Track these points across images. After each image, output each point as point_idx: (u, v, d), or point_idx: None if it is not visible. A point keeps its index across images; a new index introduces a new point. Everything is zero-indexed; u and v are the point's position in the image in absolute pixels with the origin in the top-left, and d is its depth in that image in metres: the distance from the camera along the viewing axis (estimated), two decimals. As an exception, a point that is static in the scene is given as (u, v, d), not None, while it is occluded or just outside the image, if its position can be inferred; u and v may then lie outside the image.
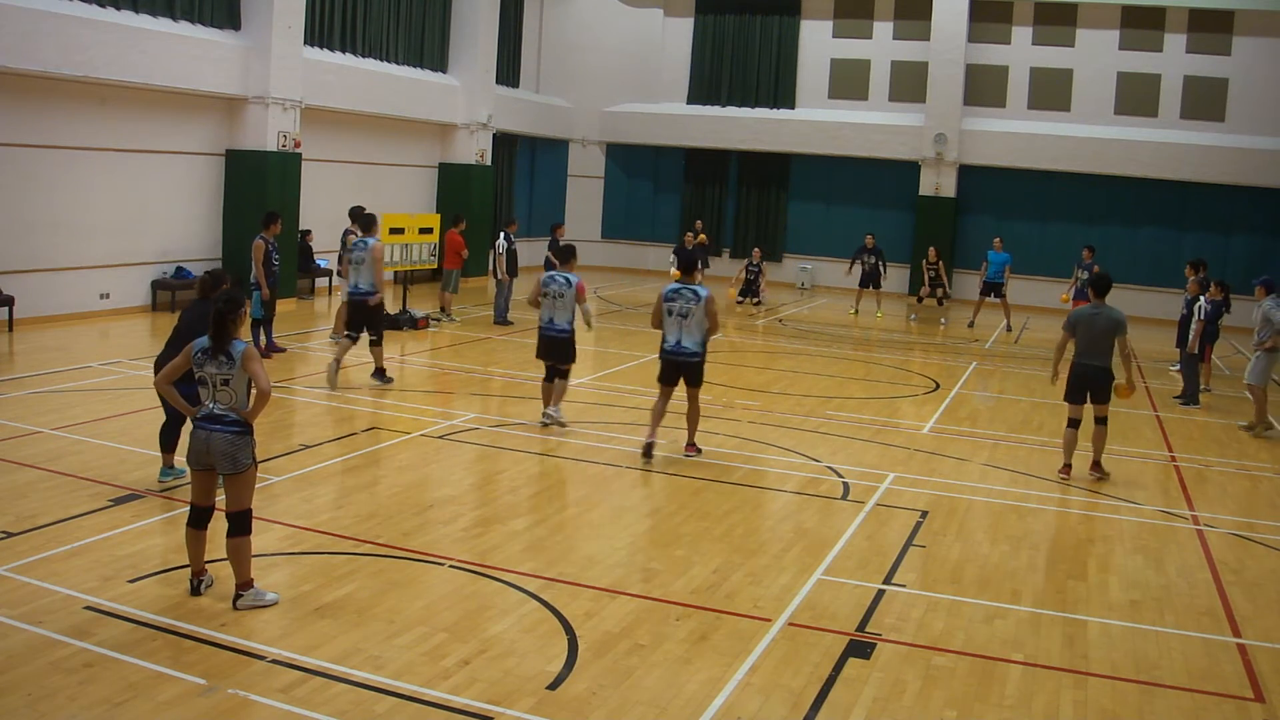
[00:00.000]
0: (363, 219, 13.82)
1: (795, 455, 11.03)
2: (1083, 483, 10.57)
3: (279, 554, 7.41)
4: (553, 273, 11.38)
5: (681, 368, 10.42)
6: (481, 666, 5.89)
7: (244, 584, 6.43)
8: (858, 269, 23.22)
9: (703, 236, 23.40)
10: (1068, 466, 10.66)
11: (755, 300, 23.72)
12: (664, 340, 10.48)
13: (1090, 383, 10.54)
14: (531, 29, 28.57)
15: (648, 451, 10.30)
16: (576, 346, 11.46)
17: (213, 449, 6.36)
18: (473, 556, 7.59)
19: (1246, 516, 9.96)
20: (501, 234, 18.76)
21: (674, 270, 21.57)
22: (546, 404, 11.41)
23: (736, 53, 29.17)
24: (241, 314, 6.49)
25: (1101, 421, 10.62)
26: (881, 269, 23.05)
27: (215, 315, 6.44)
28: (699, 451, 10.61)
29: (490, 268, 19.96)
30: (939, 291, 22.93)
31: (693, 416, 10.59)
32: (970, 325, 22.30)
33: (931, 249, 23.29)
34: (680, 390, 10.56)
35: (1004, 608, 7.26)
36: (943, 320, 22.90)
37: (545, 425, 11.27)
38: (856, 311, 23.48)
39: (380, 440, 10.58)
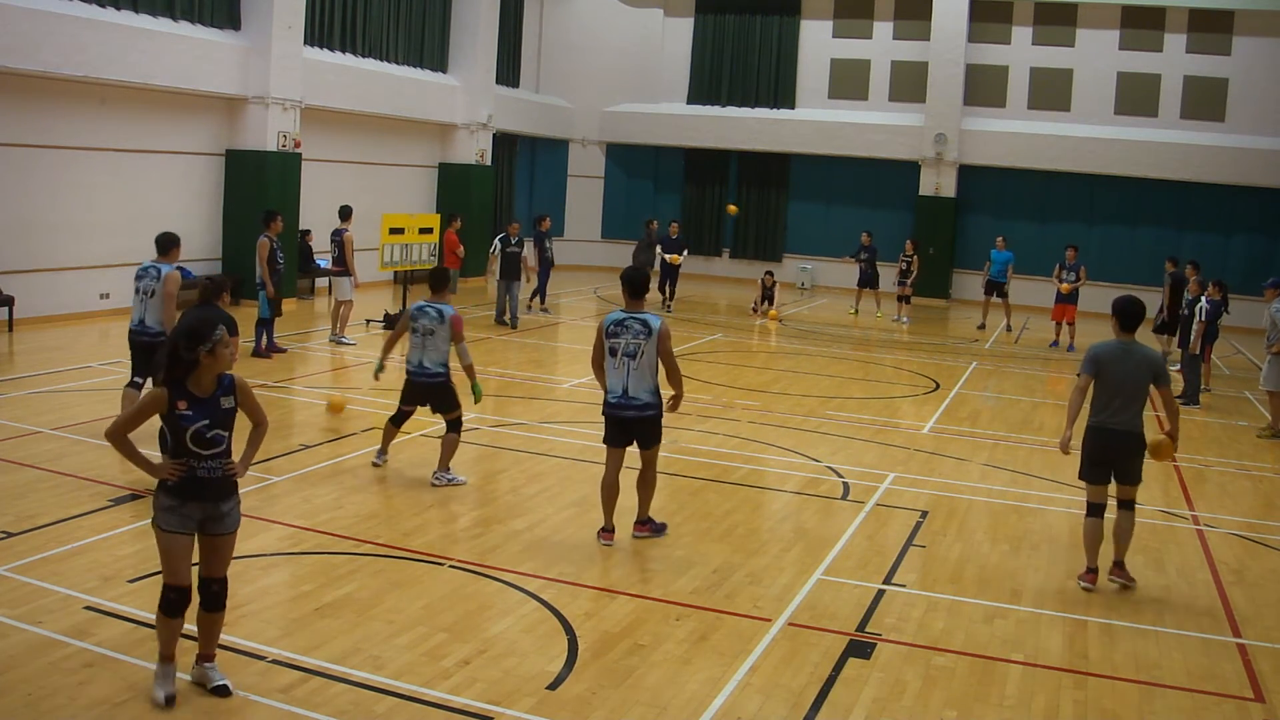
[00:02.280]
0: (161, 241, 10.58)
1: (795, 455, 11.03)
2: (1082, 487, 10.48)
3: (279, 554, 7.42)
4: (422, 303, 9.22)
5: (632, 426, 7.87)
6: (481, 666, 5.89)
7: (201, 657, 5.46)
8: (855, 266, 23.23)
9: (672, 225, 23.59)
10: (1093, 572, 7.69)
11: (768, 307, 23.22)
12: (607, 389, 7.92)
13: (1116, 453, 7.62)
14: (531, 29, 28.58)
15: (603, 537, 8.08)
16: (456, 392, 9.22)
17: None
18: (473, 556, 7.59)
19: (1246, 516, 9.96)
20: (498, 237, 18.77)
21: (667, 256, 22.07)
22: (385, 445, 9.60)
23: (736, 53, 29.17)
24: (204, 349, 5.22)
25: (1127, 506, 7.74)
26: (874, 268, 22.96)
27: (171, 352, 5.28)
28: (656, 530, 8.23)
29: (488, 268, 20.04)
30: (906, 290, 22.83)
31: (647, 484, 8.10)
32: (981, 327, 22.28)
33: (909, 242, 23.28)
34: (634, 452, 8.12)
35: (1004, 608, 7.26)
36: (905, 319, 22.73)
37: (437, 485, 9.14)
38: (856, 311, 23.46)
39: (380, 440, 10.56)
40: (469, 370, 9.14)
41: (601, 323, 7.92)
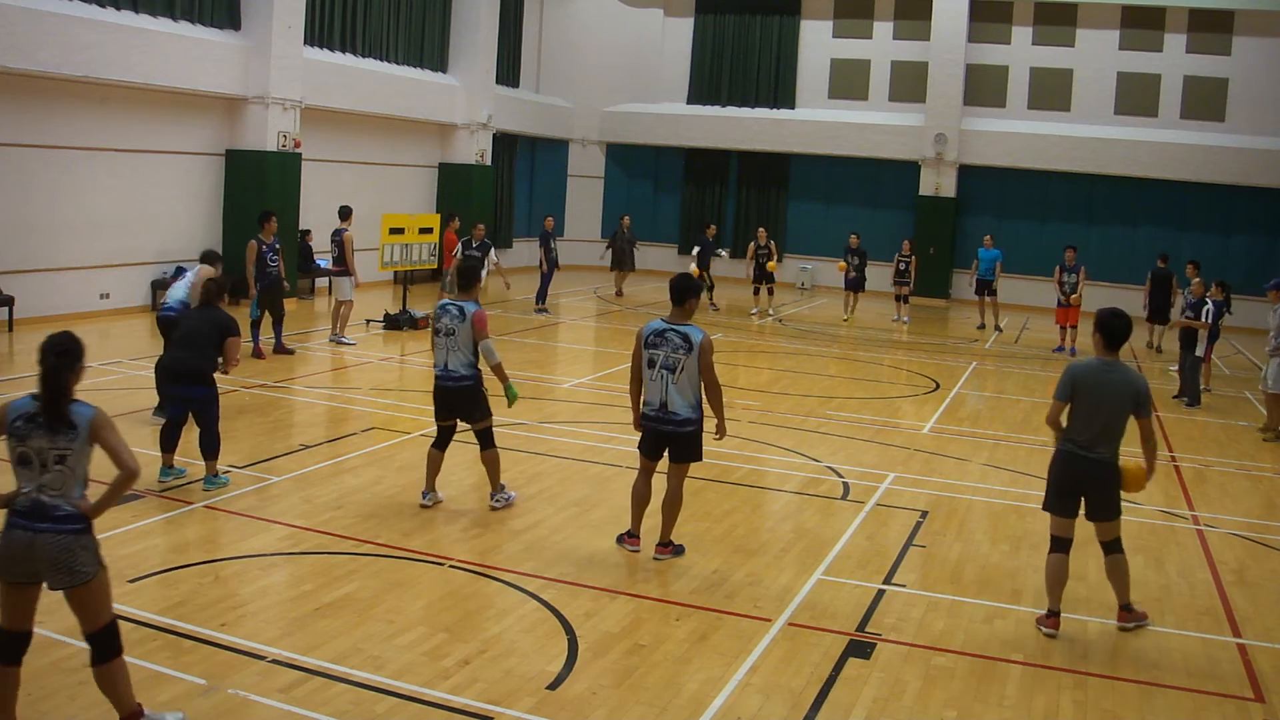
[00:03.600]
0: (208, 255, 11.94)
1: (795, 455, 11.03)
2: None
3: (279, 554, 7.42)
4: (445, 301, 8.49)
5: (668, 440, 7.58)
6: (481, 666, 5.89)
7: (130, 715, 4.91)
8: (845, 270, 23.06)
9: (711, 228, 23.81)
10: (1053, 616, 6.81)
11: (769, 288, 22.63)
12: (646, 400, 7.63)
13: (1088, 484, 6.74)
14: (531, 29, 28.59)
15: (627, 541, 7.90)
16: (487, 399, 8.49)
17: (38, 556, 4.66)
18: (473, 556, 7.59)
19: (1246, 516, 9.96)
20: (461, 240, 18.68)
21: (694, 267, 21.47)
22: (431, 481, 8.63)
23: (736, 53, 29.18)
24: (79, 368, 4.97)
25: (1113, 549, 6.85)
26: (863, 271, 22.66)
27: (49, 371, 4.89)
28: (676, 552, 7.77)
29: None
30: (904, 289, 22.81)
31: (673, 504, 7.67)
32: (981, 327, 22.23)
33: (906, 241, 23.23)
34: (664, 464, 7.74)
35: (1004, 608, 7.26)
36: (905, 319, 22.73)
37: (496, 508, 8.58)
38: (848, 318, 23.10)
39: (380, 440, 10.58)
40: (497, 371, 8.40)
41: (640, 331, 7.59)
